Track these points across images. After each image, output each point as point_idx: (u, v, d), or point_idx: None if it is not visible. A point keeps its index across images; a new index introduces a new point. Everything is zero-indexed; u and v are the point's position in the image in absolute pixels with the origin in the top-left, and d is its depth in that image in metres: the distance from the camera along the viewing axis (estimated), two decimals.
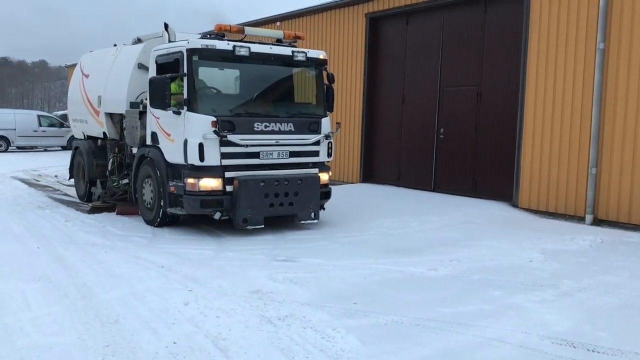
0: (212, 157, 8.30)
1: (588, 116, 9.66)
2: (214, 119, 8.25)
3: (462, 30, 12.35)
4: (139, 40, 10.77)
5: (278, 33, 9.68)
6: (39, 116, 28.53)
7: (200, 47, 8.35)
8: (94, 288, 5.96)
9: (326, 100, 9.59)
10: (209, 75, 9.03)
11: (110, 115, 10.77)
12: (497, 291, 5.95)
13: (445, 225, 9.42)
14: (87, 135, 12.00)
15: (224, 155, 8.37)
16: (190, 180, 8.31)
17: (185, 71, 8.33)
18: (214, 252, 7.65)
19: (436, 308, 5.38)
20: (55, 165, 19.63)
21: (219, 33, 8.87)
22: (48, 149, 28.12)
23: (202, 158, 8.24)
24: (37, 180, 15.99)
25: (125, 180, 10.50)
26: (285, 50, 9.13)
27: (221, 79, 9.50)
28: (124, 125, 10.38)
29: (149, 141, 9.30)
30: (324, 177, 9.38)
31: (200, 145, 8.20)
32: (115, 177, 10.71)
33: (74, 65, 31.25)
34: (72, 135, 24.39)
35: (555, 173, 10.18)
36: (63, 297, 5.68)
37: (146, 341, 4.57)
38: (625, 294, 5.89)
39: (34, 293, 5.78)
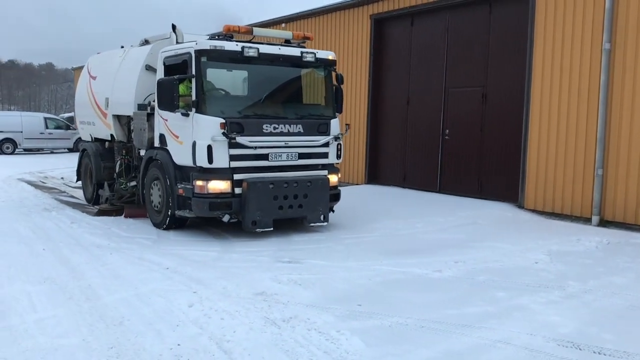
0: (221, 159, 8.24)
1: (594, 117, 9.62)
2: (223, 120, 8.19)
3: (467, 31, 12.32)
4: (146, 42, 10.73)
5: (287, 34, 9.61)
6: (45, 118, 28.68)
7: (208, 48, 8.30)
8: (98, 290, 5.97)
9: (335, 101, 9.51)
10: (218, 76, 8.95)
11: (117, 118, 10.75)
12: (503, 292, 5.93)
13: (451, 227, 9.39)
14: (95, 138, 11.98)
15: (232, 157, 8.30)
16: (199, 183, 8.26)
17: (194, 72, 8.28)
18: (218, 253, 7.65)
19: (441, 310, 5.36)
20: (62, 168, 19.70)
21: (227, 34, 8.81)
22: (54, 151, 28.25)
23: (210, 160, 8.18)
24: (43, 182, 16.05)
25: (133, 183, 10.47)
26: (294, 51, 9.05)
27: (229, 80, 9.44)
28: (131, 128, 10.36)
29: (157, 143, 9.27)
30: (333, 178, 9.30)
31: (209, 147, 8.15)
32: (123, 179, 10.67)
33: (80, 68, 31.36)
34: (79, 138, 24.37)
35: (561, 174, 10.14)
36: (68, 299, 5.70)
37: (150, 343, 4.57)
38: (632, 296, 5.85)
39: (39, 295, 5.80)
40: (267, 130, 8.54)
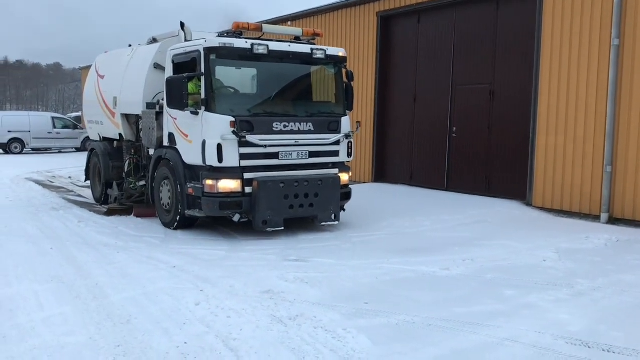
0: (231, 158, 8.17)
1: (603, 114, 9.54)
2: (233, 119, 8.12)
3: (474, 28, 12.26)
4: (154, 40, 10.67)
5: (297, 30, 9.49)
6: (53, 118, 28.80)
7: (217, 45, 8.21)
8: (106, 288, 5.98)
9: (345, 98, 9.39)
10: (227, 74, 8.86)
11: (126, 117, 10.71)
12: (511, 291, 5.89)
13: (458, 225, 9.34)
14: (103, 137, 11.94)
15: (242, 156, 8.22)
16: (209, 182, 8.18)
17: (203, 70, 8.21)
18: (226, 252, 7.65)
19: (449, 308, 5.34)
20: (69, 167, 19.79)
21: (237, 31, 8.72)
22: (62, 150, 28.37)
23: (220, 159, 8.12)
24: (51, 181, 16.12)
25: (142, 182, 10.42)
26: (304, 48, 8.94)
27: (239, 78, 9.34)
28: (140, 127, 10.32)
29: (166, 142, 9.20)
30: (344, 177, 9.18)
31: (219, 146, 8.09)
32: (132, 178, 10.63)
33: (87, 68, 31.46)
34: (87, 137, 24.43)
35: (569, 171, 10.07)
36: (75, 297, 5.71)
37: (157, 341, 4.57)
38: None
39: (46, 293, 5.82)
40: (277, 128, 8.45)
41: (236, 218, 8.30)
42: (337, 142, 9.06)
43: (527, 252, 7.54)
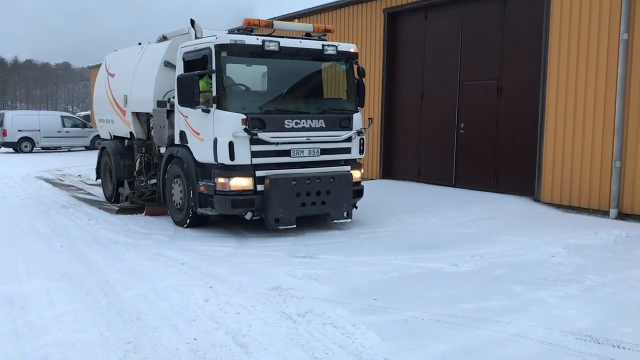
0: (243, 156, 8.13)
1: (611, 108, 9.48)
2: (244, 116, 8.07)
3: (482, 24, 12.21)
4: (164, 38, 10.63)
5: (307, 27, 9.43)
6: (62, 117, 28.95)
7: (229, 42, 8.16)
8: (116, 285, 6.03)
9: (357, 95, 9.32)
10: (238, 71, 8.79)
11: (137, 115, 10.69)
12: (520, 286, 5.88)
13: (466, 221, 9.33)
14: (114, 136, 11.92)
15: (254, 154, 8.18)
16: (221, 180, 8.15)
17: (214, 68, 8.16)
18: (233, 249, 7.68)
19: (457, 304, 5.33)
20: (79, 165, 19.90)
21: (247, 28, 8.68)
22: (72, 149, 28.52)
23: (232, 157, 8.07)
24: (61, 180, 16.22)
25: (154, 181, 10.41)
26: (316, 44, 8.87)
27: (250, 75, 9.28)
28: (151, 125, 10.28)
29: (177, 140, 9.17)
30: (356, 174, 9.12)
31: (231, 144, 8.04)
32: (143, 177, 10.62)
33: (96, 67, 31.52)
34: (96, 136, 24.49)
35: (578, 167, 10.02)
36: (86, 294, 5.75)
37: (167, 338, 4.60)
38: None
39: (57, 291, 5.86)
40: (288, 125, 8.39)
41: (248, 216, 8.27)
42: (349, 139, 8.99)
43: (536, 247, 7.52)
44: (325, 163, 8.80)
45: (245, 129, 8.05)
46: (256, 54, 8.39)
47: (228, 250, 7.60)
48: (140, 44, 11.50)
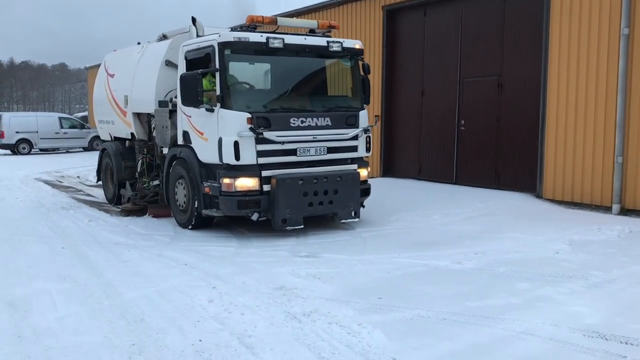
0: (248, 156, 7.99)
1: (613, 104, 9.46)
2: (249, 115, 7.89)
3: (482, 20, 12.18)
4: (164, 37, 10.49)
5: (312, 23, 9.25)
6: (60, 118, 28.85)
7: (232, 40, 8.00)
8: (118, 287, 5.99)
9: (362, 92, 9.16)
10: (242, 69, 8.63)
11: (138, 115, 10.56)
12: (525, 283, 5.85)
13: (469, 218, 9.30)
14: (115, 137, 11.75)
15: (260, 153, 8.01)
16: (226, 181, 8.00)
17: (218, 66, 8.03)
18: (236, 248, 7.65)
19: (462, 302, 5.31)
20: (77, 167, 19.84)
21: (251, 25, 8.50)
22: (70, 150, 28.44)
23: (237, 157, 7.92)
24: (60, 181, 16.17)
25: (156, 182, 10.27)
26: (320, 41, 8.71)
27: (254, 73, 9.11)
28: (152, 125, 10.13)
29: (180, 141, 9.03)
30: (363, 173, 8.98)
31: (236, 144, 7.90)
32: (145, 178, 10.49)
33: (93, 67, 31.45)
34: (94, 137, 24.38)
35: (580, 163, 10.00)
36: (88, 296, 5.72)
37: (172, 339, 4.57)
38: None
39: (60, 293, 5.82)
40: (294, 124, 8.25)
41: (255, 217, 8.14)
42: (356, 137, 8.86)
43: (539, 244, 7.50)
44: (332, 162, 8.67)
45: (250, 128, 7.90)
46: (260, 51, 8.25)
47: (230, 250, 7.57)
48: (139, 43, 11.38)
